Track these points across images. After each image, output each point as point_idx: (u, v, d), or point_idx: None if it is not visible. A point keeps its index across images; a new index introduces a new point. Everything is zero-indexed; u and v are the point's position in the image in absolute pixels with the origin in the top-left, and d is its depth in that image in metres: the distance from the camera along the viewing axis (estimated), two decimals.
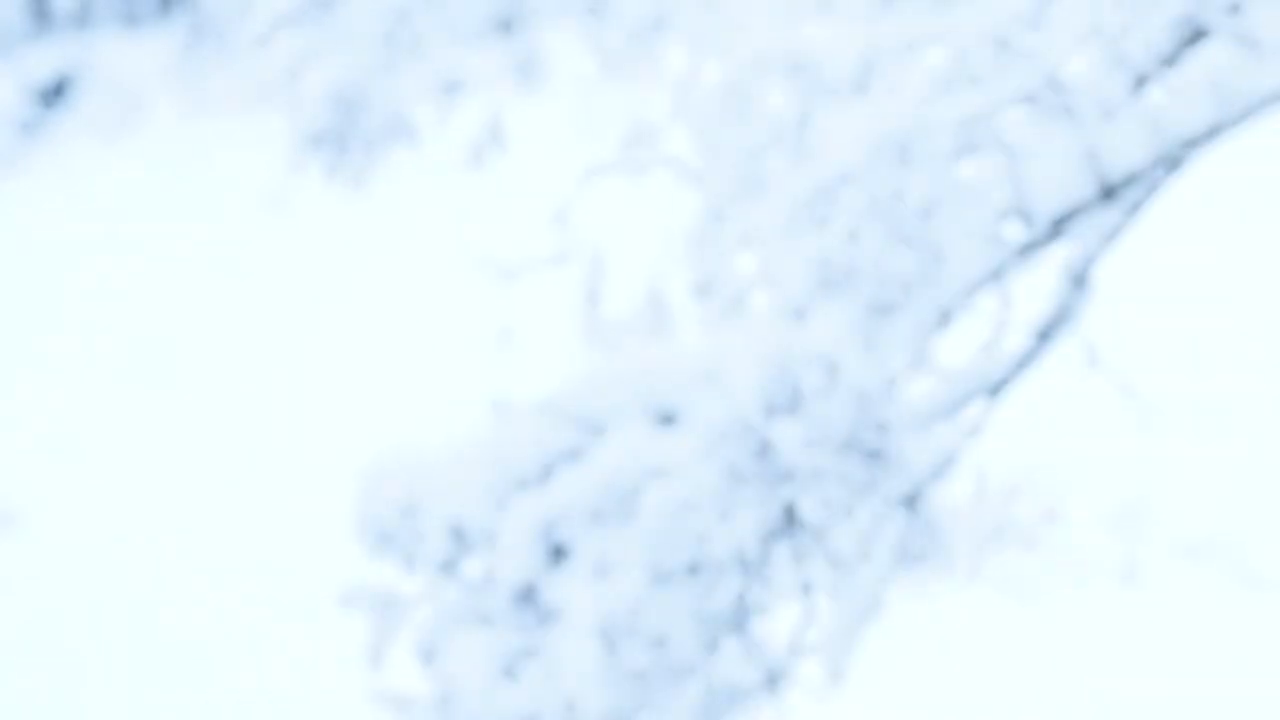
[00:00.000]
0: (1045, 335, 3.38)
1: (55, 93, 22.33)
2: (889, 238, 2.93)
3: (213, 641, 10.16)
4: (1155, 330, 13.98)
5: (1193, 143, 3.25)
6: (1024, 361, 3.36)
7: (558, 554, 3.30)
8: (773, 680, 3.26)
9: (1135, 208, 3.36)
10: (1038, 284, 3.55)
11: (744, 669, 3.26)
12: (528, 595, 3.30)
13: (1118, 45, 3.31)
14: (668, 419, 3.42)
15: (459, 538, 3.38)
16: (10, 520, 12.53)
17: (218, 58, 22.68)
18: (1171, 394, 13.26)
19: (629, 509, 3.19)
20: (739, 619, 3.25)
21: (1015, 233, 3.28)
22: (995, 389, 3.34)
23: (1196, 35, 3.35)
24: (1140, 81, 3.31)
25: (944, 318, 3.20)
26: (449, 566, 3.40)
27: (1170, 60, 3.42)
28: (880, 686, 8.89)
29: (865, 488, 3.20)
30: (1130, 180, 3.27)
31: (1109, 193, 3.26)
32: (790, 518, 3.17)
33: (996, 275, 3.25)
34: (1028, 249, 3.27)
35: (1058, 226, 3.28)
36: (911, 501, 3.30)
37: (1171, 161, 3.29)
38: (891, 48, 3.09)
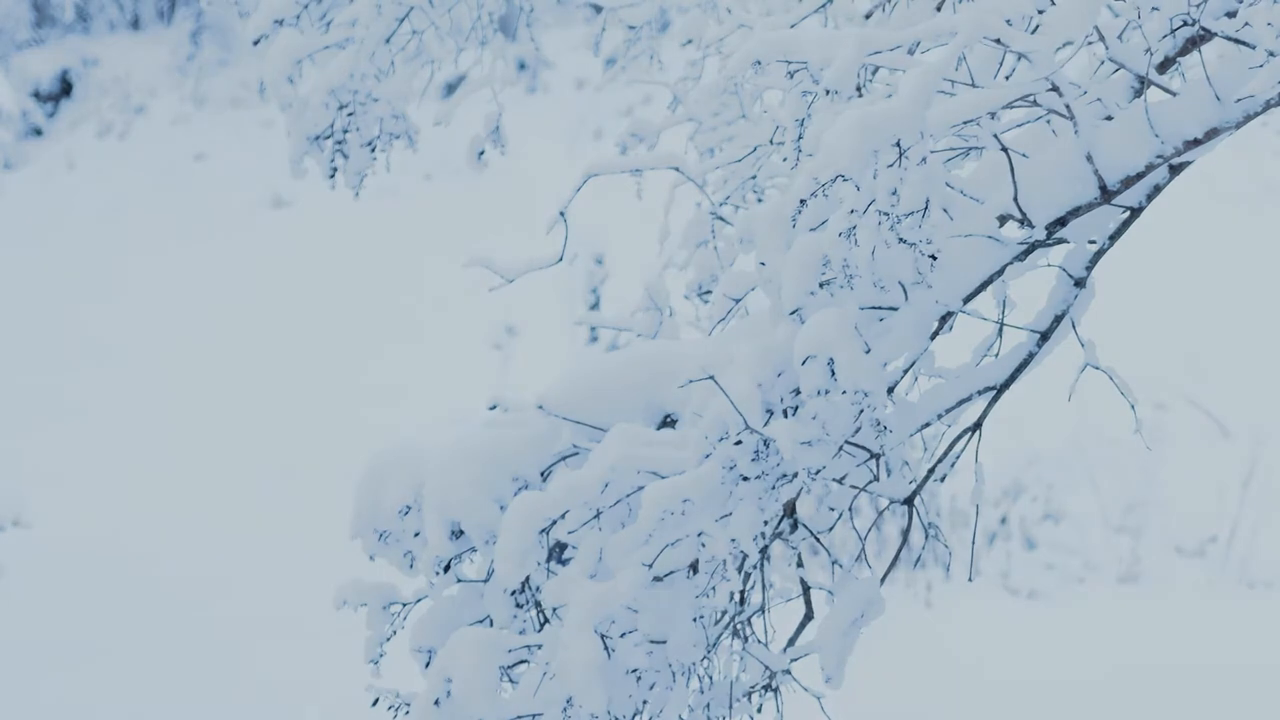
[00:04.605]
0: (1045, 335, 3.38)
1: (59, 93, 22.33)
2: (888, 238, 2.92)
3: (213, 641, 10.16)
4: (1155, 330, 13.99)
5: (1193, 143, 3.25)
6: (1024, 361, 3.36)
7: (558, 554, 3.30)
8: (772, 680, 3.25)
9: (1135, 208, 3.36)
10: (1038, 284, 3.55)
11: (744, 669, 3.26)
12: (528, 595, 3.30)
13: (1118, 45, 3.31)
14: (668, 419, 3.42)
15: (459, 538, 3.38)
16: (19, 522, 12.54)
17: (218, 58, 22.67)
18: (1171, 394, 13.26)
19: (629, 509, 3.19)
20: (739, 619, 3.25)
21: (1015, 233, 3.28)
22: (995, 389, 3.34)
23: (1196, 35, 3.35)
24: (1140, 81, 3.31)
25: (944, 318, 3.20)
26: (449, 566, 3.40)
27: (1170, 60, 3.42)
28: (880, 687, 8.90)
29: (865, 488, 3.20)
30: (1130, 180, 3.27)
31: (1109, 193, 3.26)
32: (790, 518, 3.17)
33: (996, 275, 3.25)
34: (1028, 249, 3.27)
35: (1058, 226, 3.28)
36: (911, 501, 3.30)
37: (1171, 162, 3.29)
38: (891, 48, 3.09)
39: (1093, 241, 3.37)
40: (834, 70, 3.03)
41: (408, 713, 3.35)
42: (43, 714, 9.38)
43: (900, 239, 2.92)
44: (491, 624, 3.37)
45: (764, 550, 3.13)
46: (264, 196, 19.18)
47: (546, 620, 3.29)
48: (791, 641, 3.30)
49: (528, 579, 3.26)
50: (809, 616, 3.35)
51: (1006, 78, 3.43)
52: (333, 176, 5.14)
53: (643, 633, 3.12)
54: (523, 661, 3.28)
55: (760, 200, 5.00)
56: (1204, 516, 11.79)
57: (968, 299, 3.22)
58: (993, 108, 3.10)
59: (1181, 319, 14.46)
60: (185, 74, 22.58)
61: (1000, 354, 3.40)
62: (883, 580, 3.30)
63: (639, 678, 3.12)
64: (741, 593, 3.23)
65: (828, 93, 3.04)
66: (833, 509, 3.24)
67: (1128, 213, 3.37)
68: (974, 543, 3.53)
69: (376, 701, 3.38)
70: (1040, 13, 3.11)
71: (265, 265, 17.56)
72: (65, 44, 23.10)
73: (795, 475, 3.07)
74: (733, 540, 3.05)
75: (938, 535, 3.37)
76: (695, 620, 3.15)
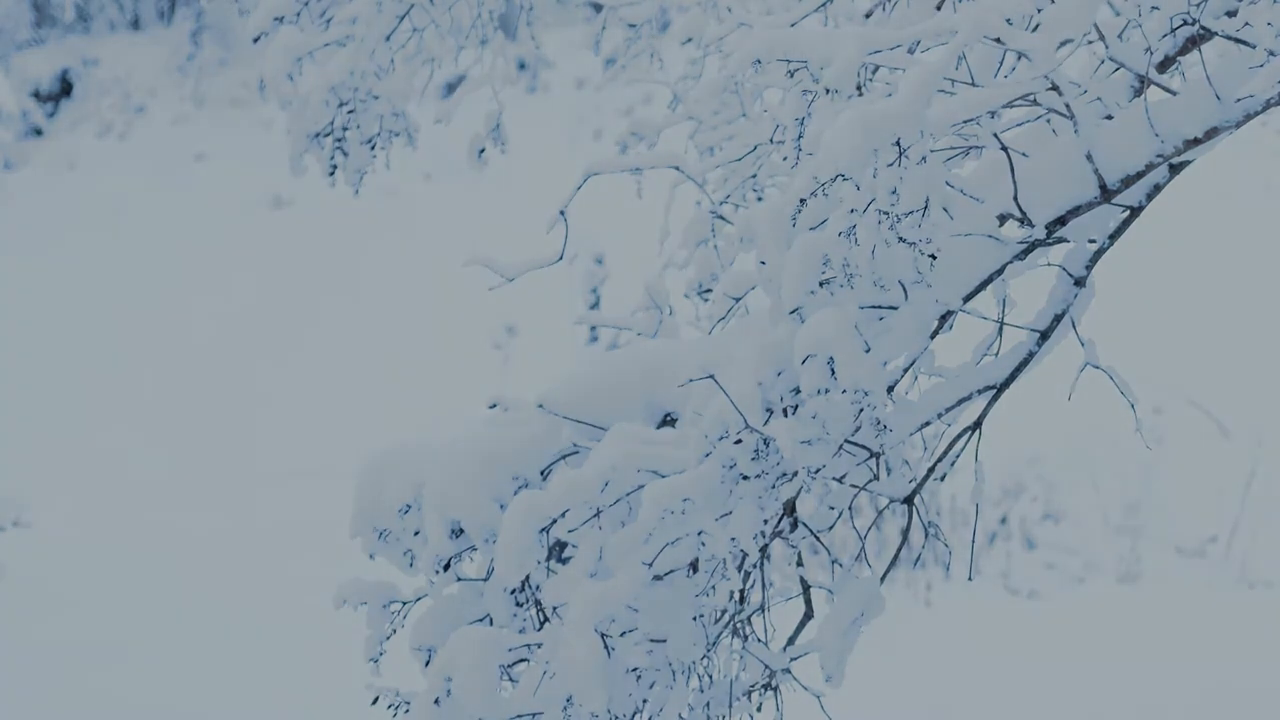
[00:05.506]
0: (1045, 334, 3.38)
1: (59, 93, 22.33)
2: (888, 237, 2.92)
3: (213, 640, 10.16)
4: (1155, 330, 13.99)
5: (1193, 142, 3.25)
6: (1024, 361, 3.36)
7: (558, 553, 3.30)
8: (772, 679, 3.25)
9: (1135, 208, 3.36)
10: (1038, 284, 3.55)
11: (744, 668, 3.26)
12: (528, 594, 3.30)
13: (1118, 44, 3.31)
14: (668, 418, 3.42)
15: (459, 536, 3.38)
16: (19, 522, 12.55)
17: (218, 58, 22.67)
18: (1171, 394, 13.26)
19: (629, 508, 3.19)
20: (739, 618, 3.25)
21: (1015, 233, 3.28)
22: (995, 389, 3.34)
23: (1196, 34, 3.35)
24: (1140, 81, 3.31)
25: (944, 317, 3.20)
26: (449, 565, 3.40)
27: (1170, 59, 3.42)
28: (880, 686, 8.89)
29: (865, 487, 3.20)
30: (1130, 180, 3.27)
31: (1109, 192, 3.26)
32: (790, 517, 3.17)
33: (996, 274, 3.25)
34: (1028, 248, 3.27)
35: (1058, 225, 3.28)
36: (911, 501, 3.30)
37: (1171, 161, 3.29)
38: (891, 47, 3.09)
39: (1093, 241, 3.37)
40: (834, 69, 3.03)
41: (408, 712, 3.35)
42: (43, 714, 9.38)
43: (900, 238, 2.93)
44: (491, 623, 3.37)
45: (764, 549, 3.13)
46: (264, 196, 19.17)
47: (546, 619, 3.29)
48: (791, 640, 3.30)
49: (528, 578, 3.26)
50: (809, 615, 3.35)
51: (1006, 77, 3.43)
52: (332, 174, 5.15)
53: (643, 631, 3.12)
54: (523, 660, 3.27)
55: (760, 199, 5.00)
56: (1204, 516, 11.79)
57: (968, 298, 3.22)
58: (993, 107, 3.10)
59: (1182, 319, 14.46)
60: (185, 74, 22.57)
61: (1000, 353, 3.40)
62: (883, 580, 3.30)
63: (639, 676, 3.12)
64: (741, 591, 3.23)
65: (828, 91, 3.03)
66: (833, 508, 3.24)
67: (1128, 212, 3.37)
68: (974, 542, 3.53)
69: (376, 700, 3.38)
70: (1040, 11, 3.11)
71: (265, 265, 17.55)
72: (65, 44, 23.10)
73: (795, 474, 3.07)
74: (733, 539, 3.05)
75: (938, 534, 3.37)
76: (695, 619, 3.15)
